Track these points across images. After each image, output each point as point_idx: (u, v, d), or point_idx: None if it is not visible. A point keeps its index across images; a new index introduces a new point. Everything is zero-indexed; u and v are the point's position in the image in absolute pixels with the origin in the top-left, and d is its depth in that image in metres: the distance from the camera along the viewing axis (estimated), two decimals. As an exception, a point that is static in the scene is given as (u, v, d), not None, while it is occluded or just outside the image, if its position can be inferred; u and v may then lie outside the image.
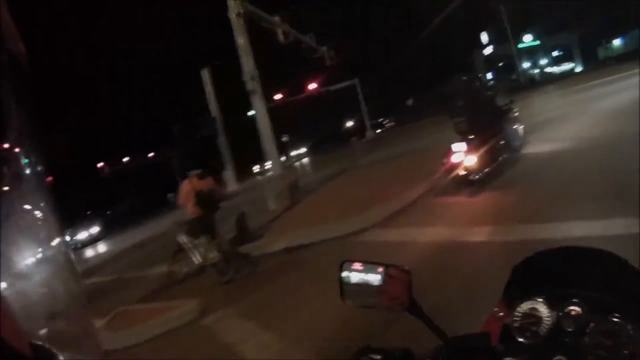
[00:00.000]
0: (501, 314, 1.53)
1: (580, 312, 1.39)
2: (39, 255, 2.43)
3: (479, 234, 7.59)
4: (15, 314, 0.84)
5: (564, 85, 37.53)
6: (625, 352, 1.26)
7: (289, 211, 14.26)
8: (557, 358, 1.31)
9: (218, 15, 18.30)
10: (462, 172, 10.97)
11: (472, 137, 11.11)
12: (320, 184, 19.59)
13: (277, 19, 20.69)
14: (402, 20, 67.15)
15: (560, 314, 1.41)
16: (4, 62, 0.89)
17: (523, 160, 12.00)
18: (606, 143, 10.99)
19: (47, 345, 0.93)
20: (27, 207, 2.29)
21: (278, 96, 49.36)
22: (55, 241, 2.55)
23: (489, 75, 66.03)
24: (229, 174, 29.90)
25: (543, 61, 66.37)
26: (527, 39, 64.59)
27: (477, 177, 10.79)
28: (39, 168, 2.46)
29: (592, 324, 1.34)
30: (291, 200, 15.30)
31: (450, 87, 12.67)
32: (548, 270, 1.62)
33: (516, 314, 1.47)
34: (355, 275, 1.55)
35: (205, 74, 31.69)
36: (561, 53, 67.30)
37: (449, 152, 11.10)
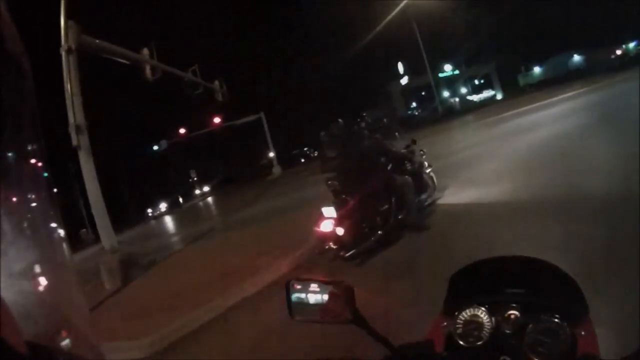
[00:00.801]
0: (444, 322, 1.64)
1: (518, 314, 1.53)
2: (37, 254, 1.56)
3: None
4: (13, 314, 0.90)
5: (483, 115, 35.25)
6: (564, 345, 1.40)
7: (113, 297, 10.49)
8: (501, 359, 1.41)
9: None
10: (333, 246, 7.70)
11: (345, 198, 7.84)
12: (172, 253, 15.82)
13: (145, 52, 17.62)
14: (314, 52, 65.72)
15: (500, 318, 1.54)
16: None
17: (433, 216, 8.75)
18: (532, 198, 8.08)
19: (44, 345, 1.01)
20: (26, 205, 1.58)
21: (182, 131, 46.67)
22: (54, 238, 1.73)
23: (413, 105, 65.45)
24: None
25: (463, 90, 65.75)
26: (447, 69, 64.35)
27: (349, 254, 7.52)
28: (39, 166, 1.61)
29: (530, 325, 1.48)
30: (121, 282, 11.48)
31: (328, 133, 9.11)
32: (484, 279, 1.74)
33: (458, 321, 1.58)
34: (301, 293, 1.58)
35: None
36: (481, 81, 67.28)
37: (320, 216, 7.75)
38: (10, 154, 1.35)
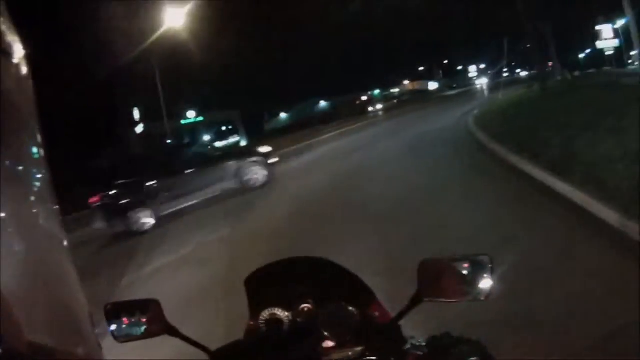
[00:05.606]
0: (252, 322, 1.79)
1: (311, 307, 1.72)
2: (38, 254, 1.87)
3: None
4: (14, 313, 0.90)
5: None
6: (356, 324, 1.58)
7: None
8: (298, 346, 1.55)
9: None
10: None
11: None
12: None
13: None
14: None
15: (295, 312, 1.72)
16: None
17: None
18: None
19: (44, 345, 1.01)
20: (26, 205, 1.82)
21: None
22: (55, 238, 2.04)
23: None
24: None
25: (206, 137, 60.97)
26: (191, 115, 59.48)
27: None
28: (39, 165, 1.94)
29: (322, 313, 1.64)
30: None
31: None
32: (276, 279, 1.87)
33: (260, 321, 1.72)
34: (121, 321, 1.66)
35: None
36: (228, 127, 63.69)
37: None
38: (10, 154, 1.43)
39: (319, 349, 1.55)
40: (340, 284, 1.78)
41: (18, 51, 1.76)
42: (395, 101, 54.87)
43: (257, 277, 1.87)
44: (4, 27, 1.52)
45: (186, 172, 15.54)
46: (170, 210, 15.08)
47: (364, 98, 61.13)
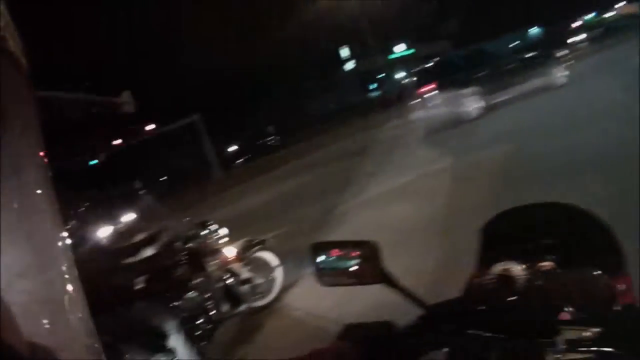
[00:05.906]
0: (477, 278, 1.53)
1: (552, 266, 1.44)
2: (37, 253, 1.47)
3: None
4: (13, 313, 0.89)
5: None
6: (602, 297, 1.29)
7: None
8: (530, 313, 1.28)
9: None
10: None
11: None
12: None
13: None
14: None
15: (534, 270, 1.41)
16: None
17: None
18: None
19: (44, 345, 1.00)
20: (26, 205, 1.47)
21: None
22: (52, 231, 1.54)
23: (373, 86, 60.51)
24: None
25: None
26: (400, 49, 60.43)
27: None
28: (39, 164, 1.56)
29: (566, 275, 1.39)
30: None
31: None
32: (516, 228, 1.70)
33: (491, 276, 1.45)
34: (328, 256, 1.55)
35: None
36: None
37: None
38: (9, 154, 1.31)
39: (555, 321, 1.13)
40: (592, 242, 1.53)
41: (17, 49, 1.64)
42: (603, 29, 48.05)
43: (495, 223, 1.72)
44: (2, 27, 1.35)
45: (506, 67, 18.54)
46: (493, 102, 18.01)
47: (576, 25, 57.63)
